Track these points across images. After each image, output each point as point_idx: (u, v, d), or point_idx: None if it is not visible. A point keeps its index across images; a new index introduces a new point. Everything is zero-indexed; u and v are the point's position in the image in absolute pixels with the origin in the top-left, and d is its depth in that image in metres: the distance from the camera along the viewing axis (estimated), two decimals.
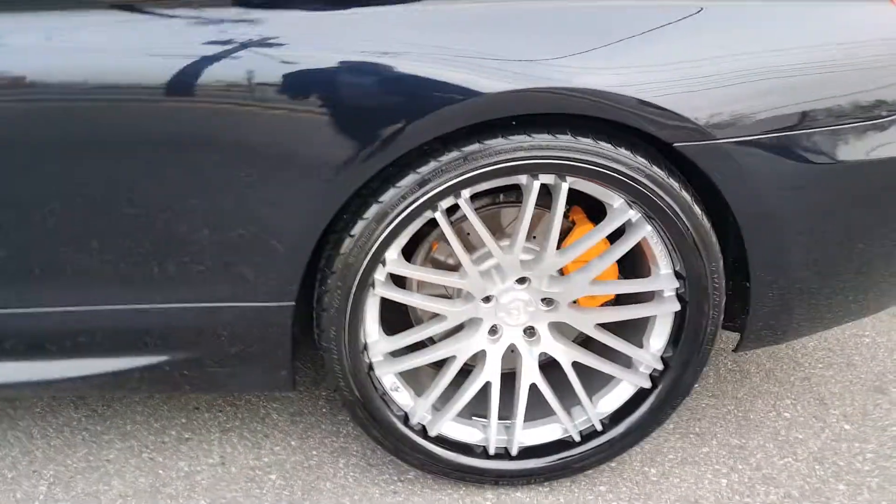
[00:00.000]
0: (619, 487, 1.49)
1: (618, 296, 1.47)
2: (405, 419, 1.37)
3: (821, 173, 1.22)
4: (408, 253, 1.41)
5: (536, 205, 1.30)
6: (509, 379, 1.42)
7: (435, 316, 1.34)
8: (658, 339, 1.37)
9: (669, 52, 1.14)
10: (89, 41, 1.07)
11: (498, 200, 1.40)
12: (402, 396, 1.37)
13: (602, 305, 1.45)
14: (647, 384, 1.39)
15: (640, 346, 1.38)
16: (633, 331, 1.42)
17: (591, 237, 1.26)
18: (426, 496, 1.43)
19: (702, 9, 1.15)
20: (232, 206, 1.13)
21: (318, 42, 1.08)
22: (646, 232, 1.24)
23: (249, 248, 1.17)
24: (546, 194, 1.29)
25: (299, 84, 1.07)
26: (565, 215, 1.43)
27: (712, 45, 1.15)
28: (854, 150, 1.22)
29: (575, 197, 1.34)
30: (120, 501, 1.37)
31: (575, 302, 1.40)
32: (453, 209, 1.24)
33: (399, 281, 1.39)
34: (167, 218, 1.13)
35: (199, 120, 1.08)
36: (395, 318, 1.46)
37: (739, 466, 1.56)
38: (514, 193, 1.38)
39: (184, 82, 1.06)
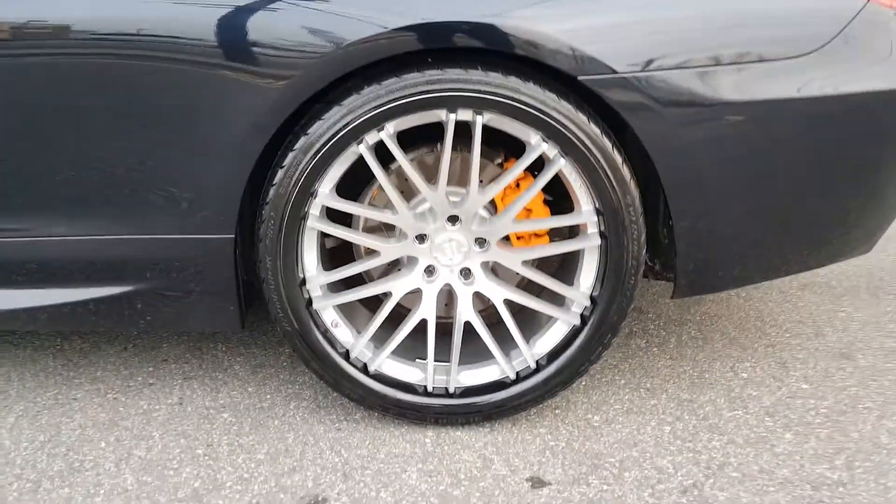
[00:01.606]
0: (559, 430, 1.52)
1: (553, 238, 1.53)
2: (346, 355, 1.44)
3: (727, 111, 1.27)
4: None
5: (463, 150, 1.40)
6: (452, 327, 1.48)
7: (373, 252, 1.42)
8: (587, 277, 1.42)
9: None
10: None
11: (435, 149, 1.49)
12: (343, 333, 1.44)
13: None
14: (578, 322, 1.43)
15: (571, 285, 1.43)
16: (566, 273, 1.47)
17: (510, 173, 1.33)
18: (368, 433, 1.49)
19: None
20: (167, 139, 1.24)
21: None
22: (560, 165, 1.30)
23: (188, 181, 1.28)
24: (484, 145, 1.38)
25: (217, 23, 1.18)
26: (500, 165, 1.51)
27: None
28: (760, 89, 1.27)
29: (513, 149, 1.42)
30: (78, 431, 1.47)
31: (508, 242, 1.46)
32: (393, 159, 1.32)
33: (346, 221, 1.47)
34: (110, 150, 1.25)
35: (129, 62, 1.21)
36: (346, 257, 1.54)
37: (685, 417, 1.58)
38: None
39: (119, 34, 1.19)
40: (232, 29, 1.19)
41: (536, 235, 1.52)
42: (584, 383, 1.68)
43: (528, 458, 1.43)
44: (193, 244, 1.33)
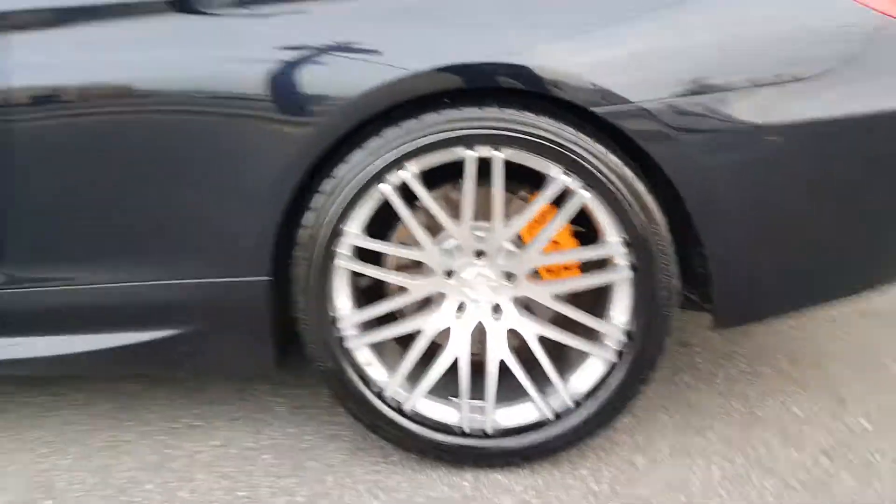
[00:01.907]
0: (602, 473, 1.47)
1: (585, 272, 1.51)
2: (381, 394, 1.45)
3: (746, 134, 1.24)
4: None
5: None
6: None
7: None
8: (620, 311, 1.39)
9: (580, 21, 1.24)
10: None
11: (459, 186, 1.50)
12: (377, 372, 1.45)
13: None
14: (614, 358, 1.40)
15: (604, 319, 1.41)
16: (600, 307, 1.45)
17: (532, 207, 1.34)
18: (406, 475, 1.48)
19: None
20: (202, 186, 1.31)
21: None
22: (584, 198, 1.29)
23: (223, 225, 1.33)
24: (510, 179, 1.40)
25: (245, 76, 1.25)
26: (526, 199, 1.51)
27: (621, 11, 1.24)
28: (780, 111, 1.24)
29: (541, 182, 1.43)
30: (127, 474, 1.51)
31: (538, 276, 1.46)
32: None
33: (377, 261, 1.50)
34: (151, 199, 1.32)
35: (170, 119, 1.29)
36: (382, 296, 1.55)
37: (736, 458, 1.51)
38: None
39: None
40: (260, 77, 1.25)
41: (567, 269, 1.50)
42: (627, 422, 1.63)
43: (571, 503, 1.39)
44: (230, 287, 1.38)
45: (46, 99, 1.30)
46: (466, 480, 1.46)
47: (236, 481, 1.48)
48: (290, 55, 1.25)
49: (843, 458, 1.48)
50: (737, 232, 1.31)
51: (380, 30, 1.26)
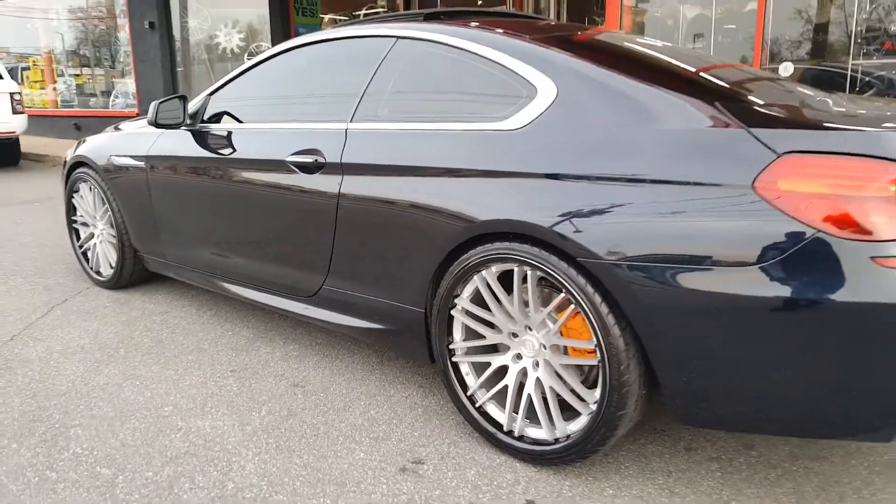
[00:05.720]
0: (578, 486, 2.22)
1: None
2: (468, 392, 2.48)
3: (680, 295, 1.86)
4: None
5: (551, 287, 2.31)
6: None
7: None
8: (599, 386, 2.13)
9: (579, 205, 2.03)
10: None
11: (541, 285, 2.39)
12: (470, 379, 2.48)
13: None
14: (590, 417, 2.15)
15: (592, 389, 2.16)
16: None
17: (549, 306, 2.18)
18: (470, 443, 2.47)
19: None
20: (398, 258, 2.53)
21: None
22: (575, 308, 2.09)
23: (405, 276, 2.54)
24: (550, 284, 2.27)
25: (417, 205, 2.42)
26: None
27: (605, 203, 1.99)
28: (707, 284, 1.83)
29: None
30: (353, 394, 2.87)
31: (564, 351, 2.28)
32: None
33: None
34: (378, 258, 2.61)
35: (388, 216, 2.53)
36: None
37: None
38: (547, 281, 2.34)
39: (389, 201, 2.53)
40: (427, 199, 2.39)
41: (589, 352, 2.26)
42: (631, 472, 2.29)
43: (541, 489, 2.21)
44: (406, 310, 2.59)
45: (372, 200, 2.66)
46: (498, 458, 2.38)
47: (395, 414, 2.69)
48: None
49: None
50: (673, 357, 1.92)
51: (483, 198, 2.27)
